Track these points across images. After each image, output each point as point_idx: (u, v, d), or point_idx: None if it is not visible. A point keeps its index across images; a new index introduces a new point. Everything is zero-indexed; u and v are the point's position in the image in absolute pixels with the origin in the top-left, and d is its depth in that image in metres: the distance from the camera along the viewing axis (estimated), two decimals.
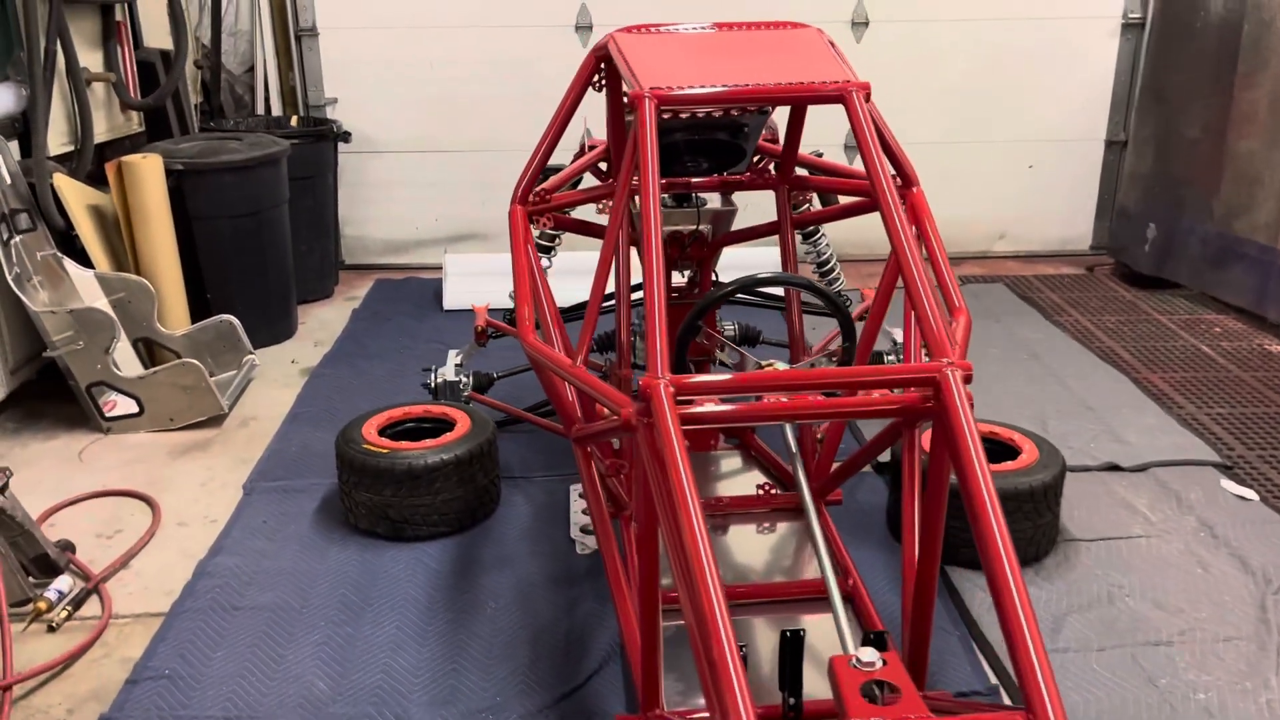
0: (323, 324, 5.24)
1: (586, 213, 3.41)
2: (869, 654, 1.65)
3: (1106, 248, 6.09)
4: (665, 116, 3.11)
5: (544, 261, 3.85)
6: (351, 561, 3.17)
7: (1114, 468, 3.62)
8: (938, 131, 5.77)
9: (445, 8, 5.64)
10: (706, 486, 3.26)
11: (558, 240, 3.78)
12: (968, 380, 1.98)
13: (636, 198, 3.37)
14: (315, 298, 5.52)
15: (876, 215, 3.14)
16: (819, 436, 3.12)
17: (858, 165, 3.18)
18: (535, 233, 3.78)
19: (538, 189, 3.08)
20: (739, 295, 2.81)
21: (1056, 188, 6.01)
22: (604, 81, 2.92)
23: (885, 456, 3.49)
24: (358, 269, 6.02)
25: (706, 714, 2.26)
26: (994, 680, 2.64)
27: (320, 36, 5.68)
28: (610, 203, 3.09)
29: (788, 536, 3.04)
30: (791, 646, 1.87)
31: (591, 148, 3.50)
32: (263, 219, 4.77)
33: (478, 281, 5.41)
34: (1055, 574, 3.05)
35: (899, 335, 3.78)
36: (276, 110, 5.80)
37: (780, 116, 3.22)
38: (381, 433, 3.37)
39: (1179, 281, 5.42)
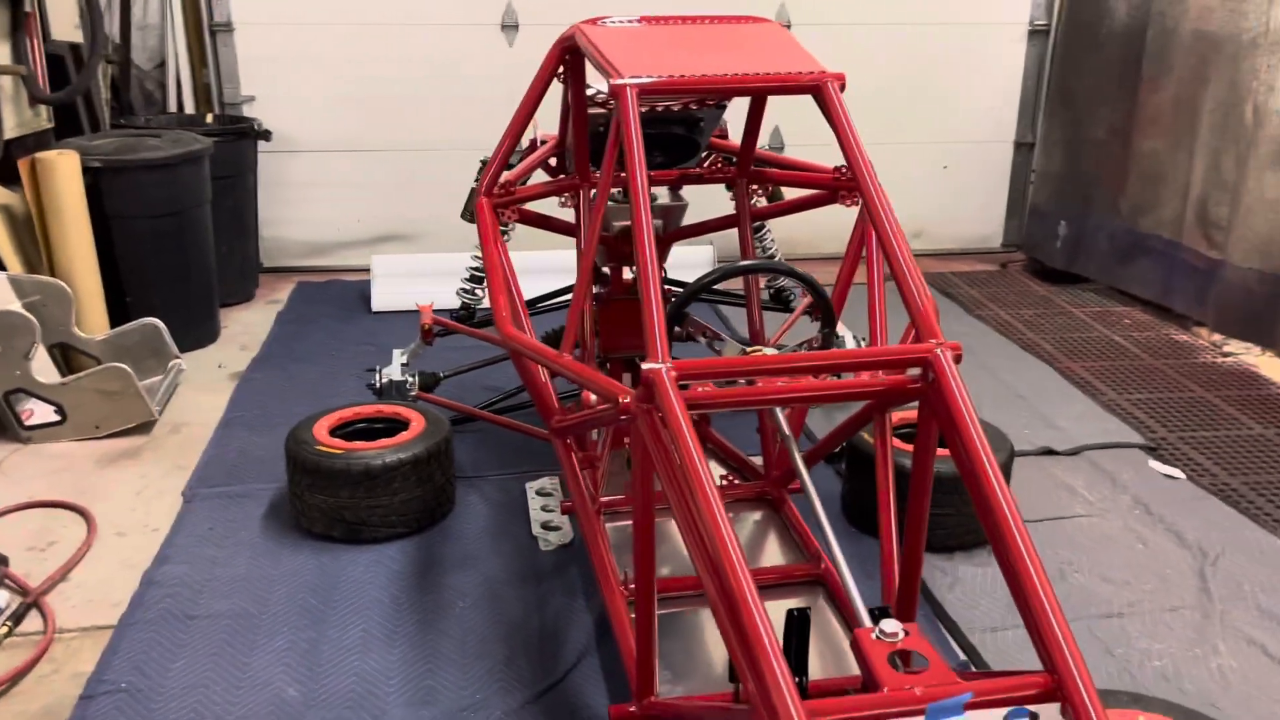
0: (246, 327, 5.08)
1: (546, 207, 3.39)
2: (892, 625, 1.68)
3: (1017, 245, 6.34)
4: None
5: None
6: (308, 566, 3.08)
7: (1050, 452, 3.77)
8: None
9: (367, 4, 5.53)
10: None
11: (507, 236, 3.74)
12: (958, 360, 2.04)
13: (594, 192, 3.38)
14: (236, 301, 5.34)
15: (824, 211, 3.27)
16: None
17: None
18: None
19: (501, 182, 3.04)
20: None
21: (970, 188, 6.22)
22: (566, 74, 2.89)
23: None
24: (277, 272, 5.84)
25: (698, 700, 2.28)
26: (963, 657, 2.72)
27: (236, 32, 5.50)
28: (570, 196, 3.09)
29: (752, 525, 3.07)
30: (799, 625, 1.89)
31: (543, 142, 3.48)
32: (184, 219, 4.60)
33: (406, 283, 5.32)
34: None
35: (847, 334, 3.85)
36: (190, 108, 5.60)
37: (737, 111, 3.26)
38: (333, 433, 3.28)
39: (1089, 276, 5.67)
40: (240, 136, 5.19)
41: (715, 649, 2.55)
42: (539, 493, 3.48)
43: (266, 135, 5.33)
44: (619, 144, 2.29)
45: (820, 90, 2.37)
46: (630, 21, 2.81)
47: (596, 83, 2.97)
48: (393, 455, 3.14)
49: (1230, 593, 2.96)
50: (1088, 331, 5.08)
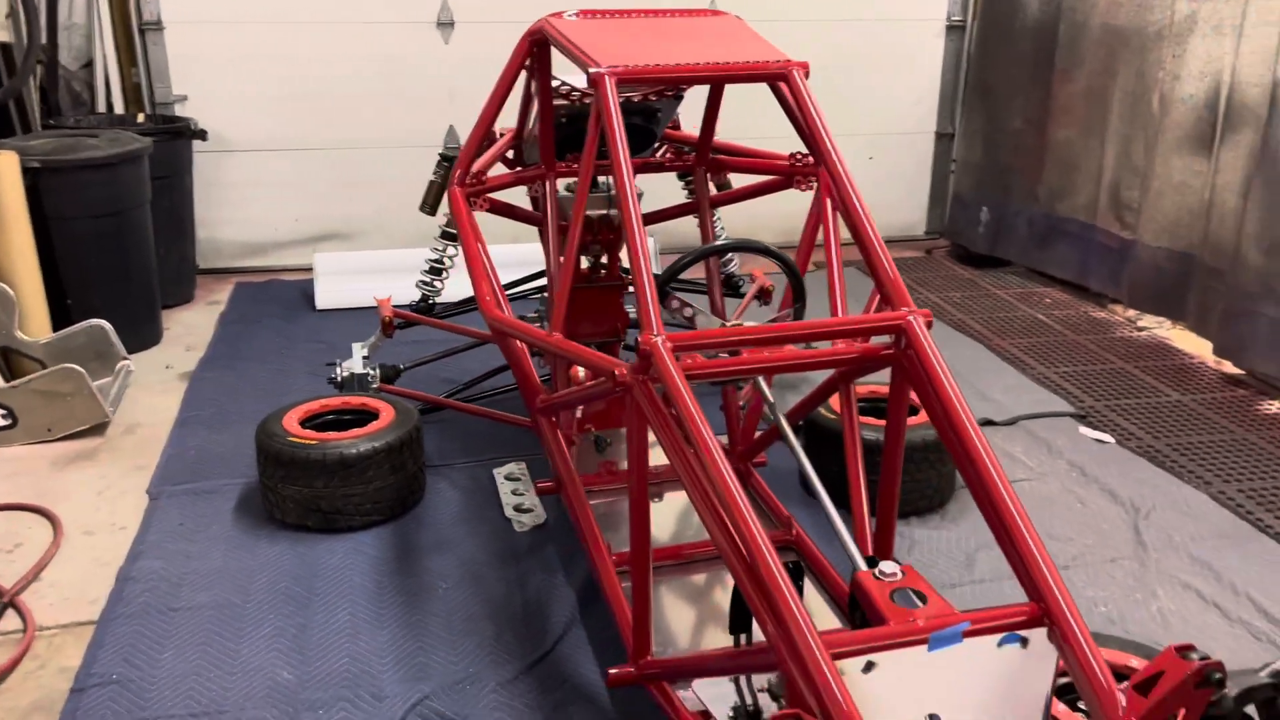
0: (189, 329, 5.02)
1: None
2: (890, 566, 1.82)
3: (939, 232, 6.60)
4: (587, 102, 3.23)
5: (450, 249, 3.89)
6: (286, 555, 3.10)
7: (989, 423, 3.98)
8: (787, 126, 6.08)
9: (300, 2, 5.50)
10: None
11: None
12: (929, 326, 2.19)
13: (563, 184, 3.47)
14: (175, 303, 5.27)
15: (771, 199, 3.42)
16: (742, 405, 3.30)
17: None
18: (450, 218, 3.82)
19: (473, 172, 3.11)
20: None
21: (894, 178, 6.46)
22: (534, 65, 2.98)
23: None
24: (214, 273, 5.77)
25: (690, 658, 2.39)
26: None
27: (166, 31, 5.42)
28: (538, 185, 3.17)
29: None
30: (793, 575, 2.01)
31: (500, 135, 3.55)
32: (125, 219, 4.55)
33: (350, 280, 5.33)
34: (960, 517, 3.34)
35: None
36: (119, 108, 5.50)
37: (695, 102, 3.38)
38: (303, 425, 3.31)
39: (1010, 259, 5.95)
40: (176, 136, 5.13)
41: (700, 613, 2.67)
42: (508, 478, 3.55)
43: (202, 135, 5.28)
44: (600, 130, 2.39)
45: (787, 77, 2.50)
46: (594, 15, 2.91)
47: (559, 74, 3.08)
48: (366, 444, 3.19)
49: (1163, 543, 3.19)
50: (1012, 311, 5.35)
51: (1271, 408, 4.17)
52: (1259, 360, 4.25)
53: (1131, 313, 5.20)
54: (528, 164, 3.48)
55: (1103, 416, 4.09)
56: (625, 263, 3.86)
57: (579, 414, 3.08)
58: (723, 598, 2.67)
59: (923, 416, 3.40)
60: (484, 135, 3.15)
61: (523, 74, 3.17)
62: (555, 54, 2.87)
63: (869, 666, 1.65)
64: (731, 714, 2.05)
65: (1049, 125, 5.52)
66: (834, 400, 3.27)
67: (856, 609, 1.83)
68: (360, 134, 5.76)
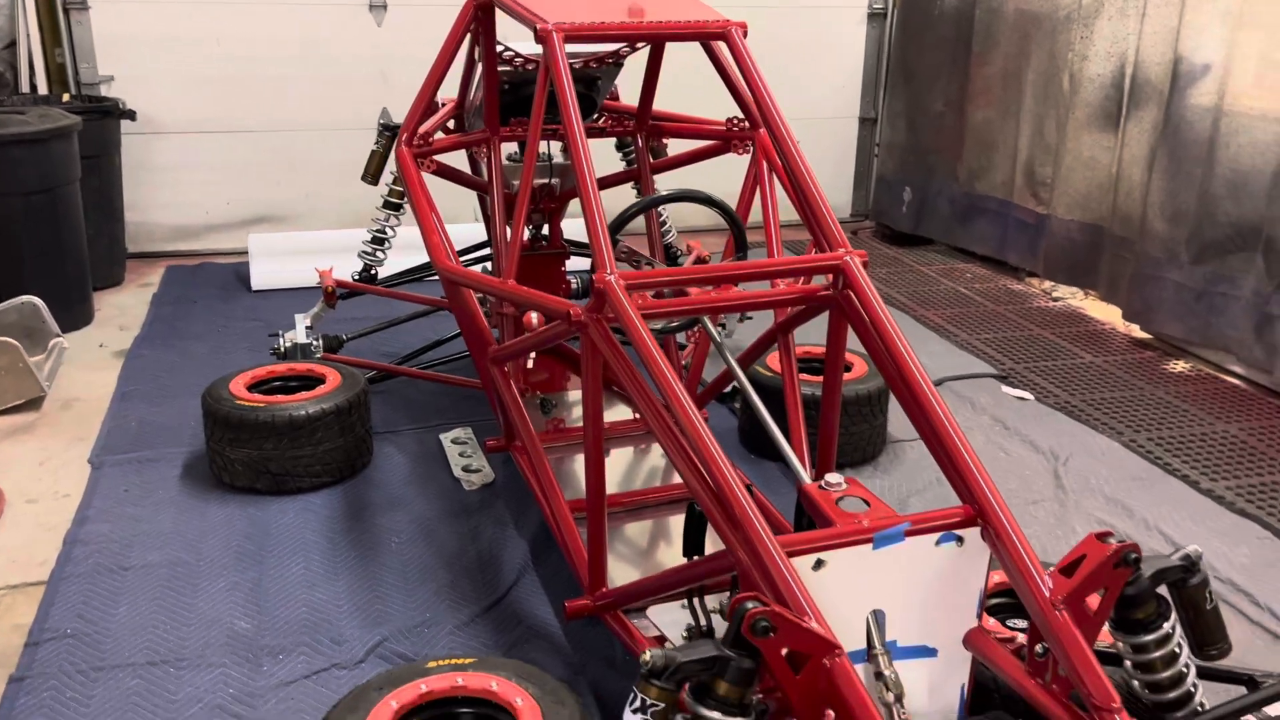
0: (121, 310, 4.97)
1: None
2: (835, 477, 1.94)
3: (864, 214, 6.81)
4: (530, 68, 3.31)
5: (393, 219, 3.94)
6: (236, 516, 3.13)
7: None
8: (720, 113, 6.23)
9: None
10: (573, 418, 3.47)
11: (407, 199, 3.86)
12: (865, 266, 2.33)
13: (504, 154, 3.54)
14: (105, 285, 5.19)
15: (704, 173, 3.53)
16: (685, 362, 3.41)
17: None
18: (392, 188, 3.88)
19: (420, 133, 3.17)
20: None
21: (820, 161, 6.53)
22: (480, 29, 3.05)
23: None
24: (143, 257, 5.70)
25: (643, 581, 2.46)
26: None
27: (91, 10, 5.35)
28: (481, 150, 3.24)
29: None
30: (698, 519, 2.13)
31: (442, 104, 3.61)
32: (56, 196, 4.49)
33: (285, 261, 5.32)
34: (891, 467, 3.50)
35: None
36: (43, 88, 5.40)
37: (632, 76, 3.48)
38: (250, 390, 3.33)
39: (933, 237, 6.18)
40: (104, 115, 5.07)
41: (651, 551, 2.77)
42: (455, 441, 3.61)
43: (131, 115, 5.22)
44: (549, 87, 2.48)
45: (726, 36, 2.62)
46: None
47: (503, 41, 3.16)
48: (315, 406, 3.23)
49: (1080, 486, 3.38)
50: (936, 285, 5.56)
51: (1176, 366, 4.43)
52: (1164, 323, 4.50)
53: (1047, 284, 5.45)
54: (470, 131, 3.54)
55: (1022, 377, 4.30)
56: (566, 234, 3.97)
57: (525, 381, 3.15)
58: (673, 537, 2.77)
59: (856, 373, 3.56)
60: (430, 97, 3.21)
61: (465, 44, 3.24)
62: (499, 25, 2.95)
63: (819, 564, 1.76)
64: (686, 634, 2.15)
65: (967, 107, 5.75)
66: (771, 360, 3.42)
67: (803, 518, 1.95)
68: (292, 116, 5.74)
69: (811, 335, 2.96)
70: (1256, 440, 3.73)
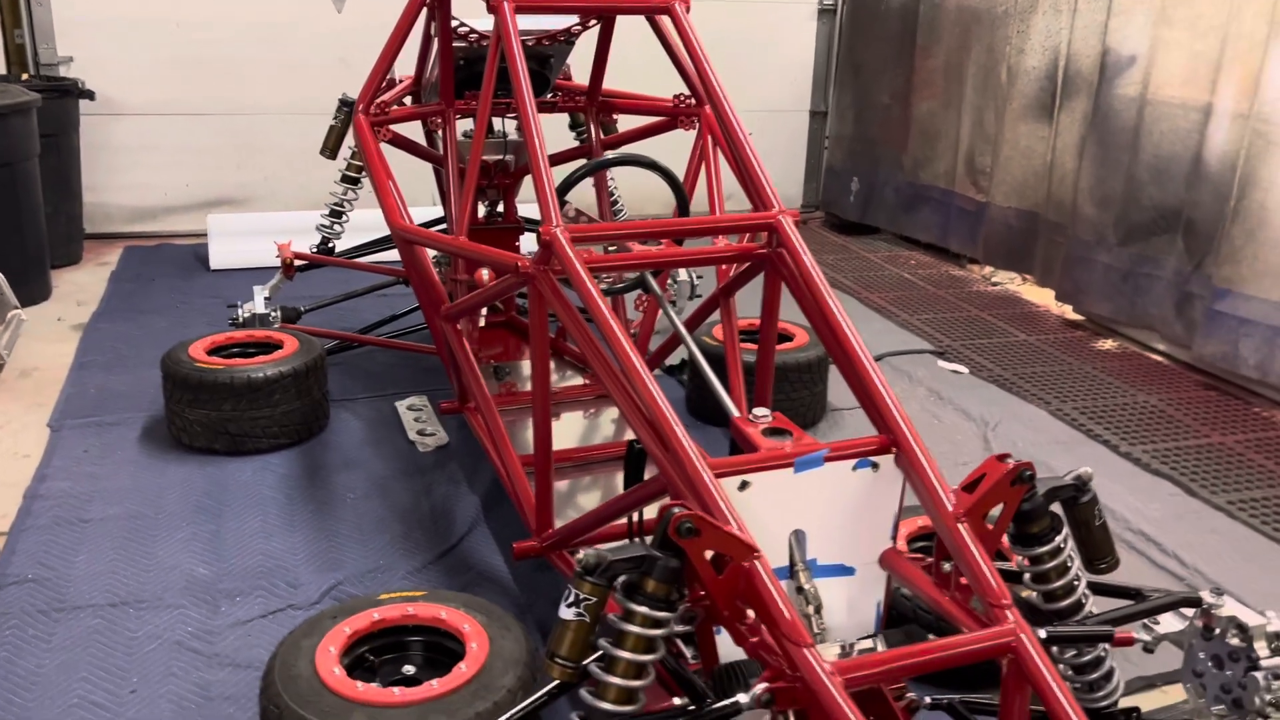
0: (79, 287, 5.02)
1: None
2: (762, 410, 2.09)
3: (815, 205, 7.00)
4: (484, 44, 3.43)
5: (350, 193, 4.04)
6: (195, 474, 3.22)
7: None
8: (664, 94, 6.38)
9: None
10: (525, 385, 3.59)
11: (365, 173, 3.97)
12: (798, 224, 2.47)
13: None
14: (62, 263, 5.23)
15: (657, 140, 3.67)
16: (634, 331, 3.54)
17: None
18: (350, 163, 3.98)
19: (377, 101, 3.28)
20: None
21: (772, 153, 6.73)
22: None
23: (674, 360, 3.99)
24: (101, 238, 5.74)
25: (585, 516, 2.57)
26: None
27: None
28: (438, 120, 3.35)
29: (612, 412, 3.43)
30: (637, 456, 2.27)
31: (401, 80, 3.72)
32: (15, 172, 4.54)
33: (243, 241, 5.38)
34: (830, 433, 3.66)
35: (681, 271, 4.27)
36: (1, 69, 5.43)
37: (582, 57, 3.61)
38: (209, 355, 3.42)
39: (879, 226, 6.37)
40: (63, 94, 5.11)
41: (595, 500, 2.89)
42: (409, 408, 3.72)
43: (90, 94, 5.27)
44: (500, 58, 2.60)
45: (670, 10, 2.76)
46: None
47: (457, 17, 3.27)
48: (273, 369, 3.33)
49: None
50: (881, 271, 5.75)
51: (1104, 345, 4.64)
52: (1094, 303, 4.71)
53: (987, 270, 5.66)
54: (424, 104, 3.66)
55: (958, 353, 4.48)
56: (520, 212, 4.09)
57: (480, 352, 3.26)
58: (616, 488, 2.89)
59: (798, 342, 3.71)
60: (386, 68, 3.32)
61: (421, 21, 3.36)
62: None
63: (744, 485, 1.90)
64: None
65: (912, 99, 5.95)
66: (716, 331, 3.57)
67: (735, 452, 2.08)
68: (252, 100, 5.81)
69: (753, 309, 3.11)
70: (1174, 410, 3.94)
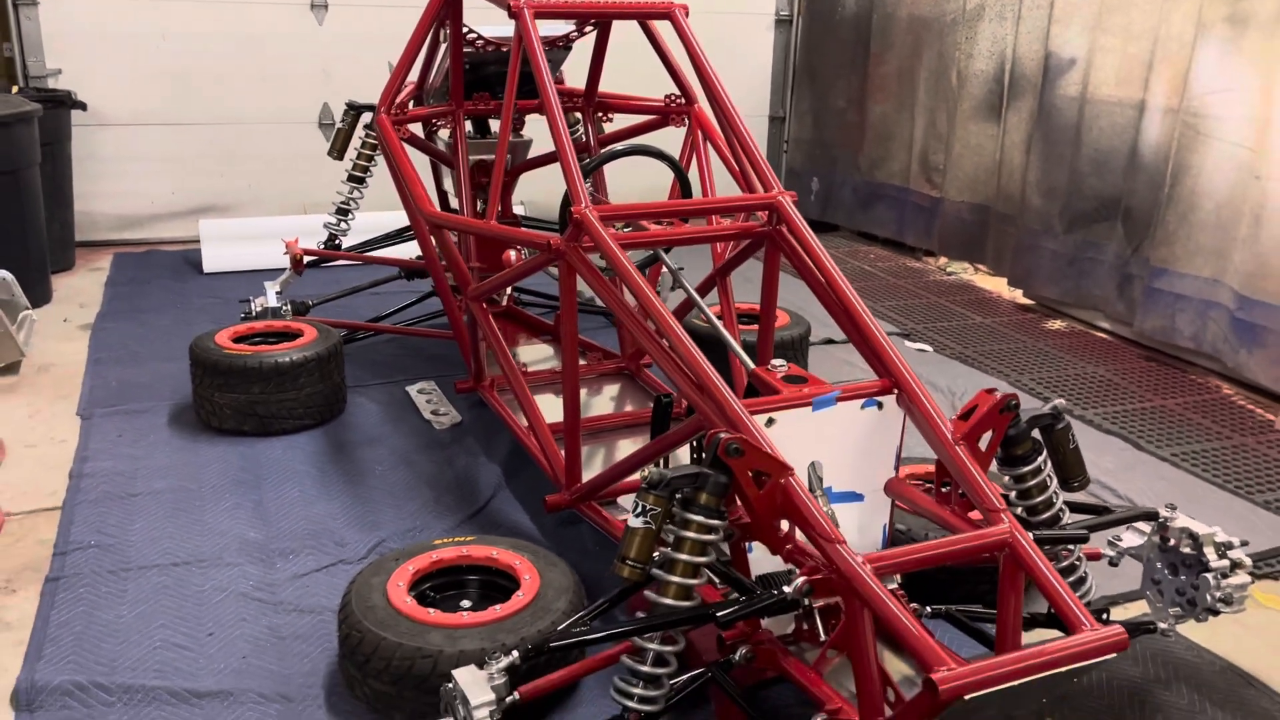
0: (77, 291, 5.17)
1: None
2: (779, 361, 2.38)
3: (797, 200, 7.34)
4: (489, 49, 3.71)
5: (355, 192, 4.28)
6: (229, 452, 3.43)
7: (830, 341, 4.65)
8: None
9: None
10: (545, 365, 3.85)
11: (370, 173, 4.21)
12: (796, 204, 2.78)
13: (443, 131, 3.93)
14: (57, 269, 5.36)
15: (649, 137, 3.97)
16: None
17: None
18: (355, 163, 4.22)
19: (397, 104, 3.53)
20: None
21: None
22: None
23: None
24: (90, 245, 5.87)
25: (615, 466, 2.81)
26: None
27: (40, 6, 5.54)
28: (435, 121, 3.62)
29: (619, 388, 3.72)
30: (664, 409, 2.55)
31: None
32: (18, 179, 4.70)
33: (236, 245, 5.58)
34: None
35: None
36: None
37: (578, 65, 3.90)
38: (234, 343, 3.64)
39: (839, 223, 6.73)
40: (58, 105, 5.27)
41: (615, 457, 3.15)
42: (420, 392, 3.96)
43: (82, 105, 5.43)
44: (523, 58, 2.88)
45: (671, 15, 3.06)
46: None
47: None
48: (298, 354, 3.55)
49: None
50: (843, 265, 6.06)
51: (1054, 325, 5.03)
52: (1042, 287, 5.10)
53: (943, 261, 6.04)
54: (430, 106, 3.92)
55: (923, 334, 4.84)
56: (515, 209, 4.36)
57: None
58: (626, 448, 3.17)
59: (781, 322, 4.02)
60: (405, 74, 3.57)
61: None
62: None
63: (770, 422, 2.19)
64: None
65: (867, 103, 6.33)
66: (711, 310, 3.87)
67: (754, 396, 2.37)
68: (235, 110, 6.00)
69: (744, 294, 3.42)
70: (1119, 379, 4.33)
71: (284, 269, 4.35)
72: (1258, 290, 3.95)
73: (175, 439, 3.52)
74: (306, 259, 4.22)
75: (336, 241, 4.30)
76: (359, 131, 4.21)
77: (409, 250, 4.50)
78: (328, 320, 4.10)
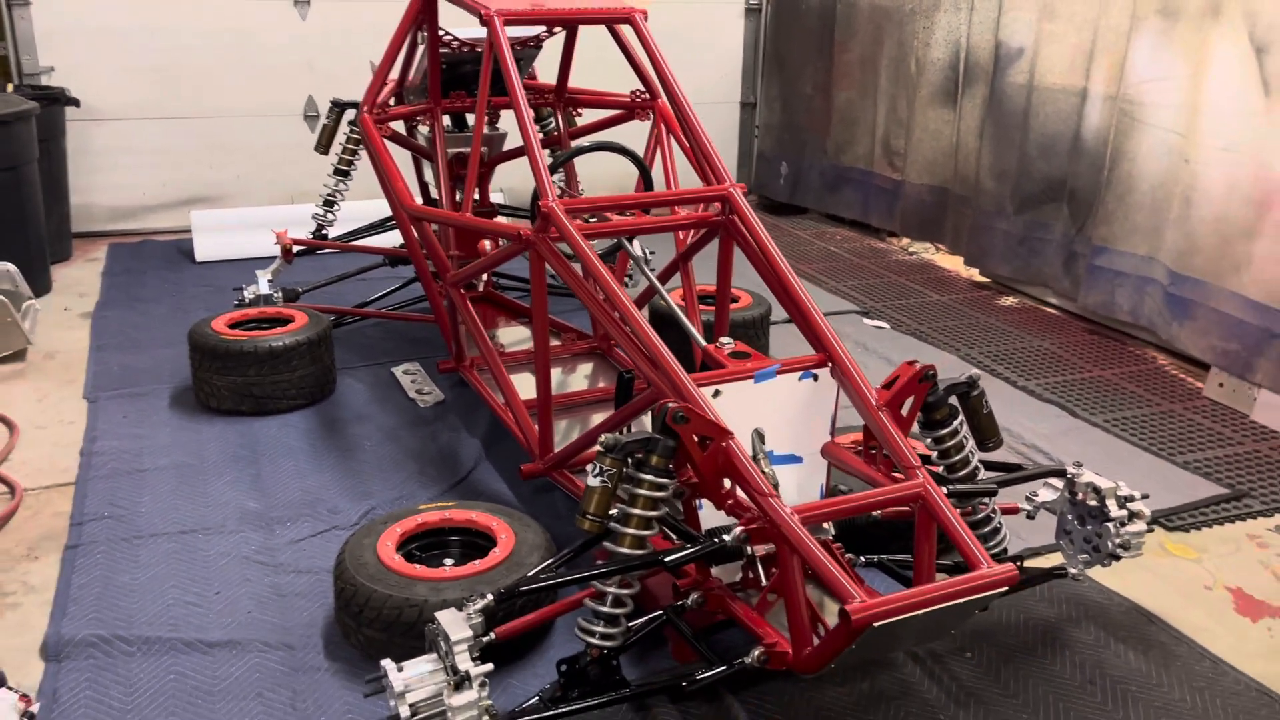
0: (75, 281, 5.40)
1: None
2: (726, 340, 2.65)
3: (747, 190, 7.58)
4: (463, 50, 3.95)
5: (341, 185, 4.51)
6: (228, 431, 3.68)
7: (790, 320, 4.91)
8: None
9: None
10: (522, 346, 4.11)
11: (354, 166, 4.45)
12: (746, 194, 3.04)
13: (422, 126, 4.17)
14: (55, 260, 5.58)
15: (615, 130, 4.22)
16: None
17: None
18: (341, 156, 4.46)
19: (378, 103, 3.77)
20: None
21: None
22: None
23: None
24: (86, 237, 6.09)
25: (581, 437, 3.07)
26: None
27: (32, 5, 5.74)
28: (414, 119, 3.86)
29: (592, 366, 3.98)
30: (626, 383, 2.82)
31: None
32: (20, 174, 4.91)
33: (226, 234, 5.81)
34: None
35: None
36: None
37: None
38: (230, 329, 3.88)
39: (807, 206, 6.99)
40: (53, 102, 5.48)
41: (582, 429, 3.42)
42: (405, 373, 4.22)
43: (75, 102, 5.64)
44: (494, 63, 3.12)
45: (632, 19, 3.31)
46: None
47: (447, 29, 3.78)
48: (291, 338, 3.80)
49: None
50: (810, 246, 6.37)
51: (1007, 301, 5.31)
52: (996, 265, 5.38)
53: (905, 241, 6.31)
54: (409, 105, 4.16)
55: (882, 312, 5.11)
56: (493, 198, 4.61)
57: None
58: (592, 422, 3.44)
59: (743, 303, 4.29)
60: (386, 75, 3.81)
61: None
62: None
63: (717, 393, 2.46)
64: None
65: (833, 90, 6.57)
66: (673, 296, 4.13)
67: (705, 370, 2.64)
68: (223, 103, 6.21)
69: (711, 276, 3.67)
70: (1063, 351, 4.61)
71: (273, 258, 4.58)
72: (1188, 267, 4.23)
73: (176, 419, 3.77)
74: (296, 248, 4.46)
75: (324, 231, 4.54)
76: (343, 127, 4.44)
77: (392, 239, 4.74)
78: (317, 306, 4.35)
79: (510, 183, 6.11)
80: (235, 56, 6.16)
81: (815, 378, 2.58)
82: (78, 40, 5.86)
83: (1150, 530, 2.71)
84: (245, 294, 4.39)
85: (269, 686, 2.43)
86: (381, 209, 5.23)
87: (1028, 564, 2.79)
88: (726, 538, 2.18)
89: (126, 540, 2.99)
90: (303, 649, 2.55)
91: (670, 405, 2.19)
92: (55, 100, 5.51)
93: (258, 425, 3.73)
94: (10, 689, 2.30)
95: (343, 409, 3.91)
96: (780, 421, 2.54)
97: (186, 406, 3.87)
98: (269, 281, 4.41)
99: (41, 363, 4.30)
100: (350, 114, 4.38)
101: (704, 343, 2.75)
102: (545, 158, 2.90)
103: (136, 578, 2.82)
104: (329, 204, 4.52)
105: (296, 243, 4.46)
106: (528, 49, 4.02)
